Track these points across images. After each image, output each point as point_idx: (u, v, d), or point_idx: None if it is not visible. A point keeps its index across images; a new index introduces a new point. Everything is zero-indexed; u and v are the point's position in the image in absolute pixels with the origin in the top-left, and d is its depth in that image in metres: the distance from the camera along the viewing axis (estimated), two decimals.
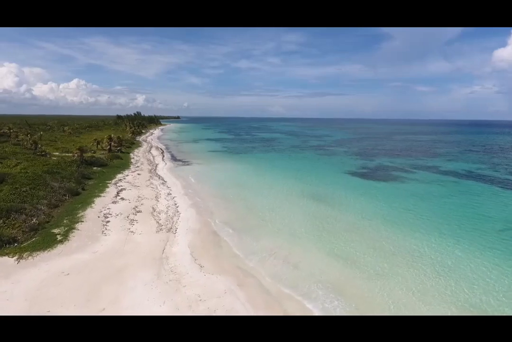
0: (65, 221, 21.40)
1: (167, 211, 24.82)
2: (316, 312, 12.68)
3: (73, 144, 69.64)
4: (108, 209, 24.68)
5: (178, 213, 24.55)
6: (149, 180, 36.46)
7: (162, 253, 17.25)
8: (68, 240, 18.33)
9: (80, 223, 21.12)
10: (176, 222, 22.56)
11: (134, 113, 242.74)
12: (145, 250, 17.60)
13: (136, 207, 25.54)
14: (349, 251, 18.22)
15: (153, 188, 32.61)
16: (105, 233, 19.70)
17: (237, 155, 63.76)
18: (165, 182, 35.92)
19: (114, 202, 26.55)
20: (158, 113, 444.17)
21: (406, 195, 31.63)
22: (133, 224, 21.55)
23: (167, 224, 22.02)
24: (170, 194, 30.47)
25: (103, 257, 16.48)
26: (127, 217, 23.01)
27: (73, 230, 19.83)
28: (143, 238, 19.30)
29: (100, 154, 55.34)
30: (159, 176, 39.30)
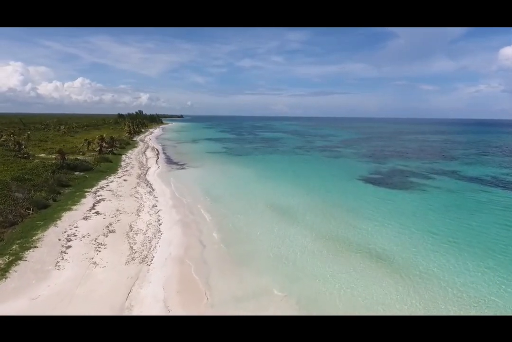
0: (14, 247, 17.07)
1: (146, 231, 20.46)
2: None
3: (64, 145, 65.50)
4: (75, 227, 20.36)
5: (160, 233, 20.18)
6: (135, 187, 32.14)
7: (126, 300, 12.88)
8: (6, 278, 13.99)
9: (32, 250, 16.79)
10: (155, 246, 18.19)
11: (136, 112, 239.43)
12: (104, 293, 13.24)
13: (111, 224, 21.20)
14: (369, 298, 13.76)
15: (138, 197, 28.26)
16: (58, 266, 15.35)
17: (237, 157, 59.36)
18: (153, 190, 31.58)
19: (85, 218, 22.24)
20: (161, 112, 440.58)
21: (428, 209, 26.88)
22: (100, 251, 17.19)
23: (143, 250, 17.64)
24: (156, 206, 26.11)
25: (43, 306, 12.13)
26: (95, 239, 18.66)
27: (19, 261, 15.49)
28: (107, 273, 14.94)
29: (89, 156, 51.23)
30: (148, 182, 34.99)
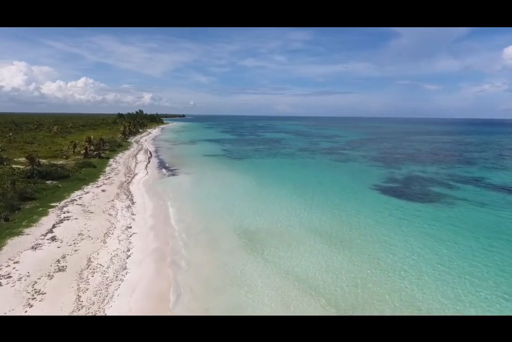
0: None
1: (107, 267, 15.67)
2: None
3: (50, 147, 60.90)
4: (15, 263, 15.62)
5: (125, 272, 15.39)
6: (112, 200, 27.38)
7: None
8: None
9: None
10: (112, 295, 13.37)
11: (136, 112, 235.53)
12: None
13: (64, 257, 16.45)
14: None
15: (111, 215, 23.52)
16: None
17: (237, 161, 54.50)
18: (133, 203, 26.79)
19: (35, 247, 17.50)
20: (164, 112, 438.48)
21: (460, 233, 21.55)
22: (32, 305, 12.39)
23: (94, 302, 12.84)
24: (130, 227, 21.35)
25: None
26: (34, 284, 13.88)
27: None
28: None
29: (73, 160, 46.57)
30: (129, 193, 30.21)
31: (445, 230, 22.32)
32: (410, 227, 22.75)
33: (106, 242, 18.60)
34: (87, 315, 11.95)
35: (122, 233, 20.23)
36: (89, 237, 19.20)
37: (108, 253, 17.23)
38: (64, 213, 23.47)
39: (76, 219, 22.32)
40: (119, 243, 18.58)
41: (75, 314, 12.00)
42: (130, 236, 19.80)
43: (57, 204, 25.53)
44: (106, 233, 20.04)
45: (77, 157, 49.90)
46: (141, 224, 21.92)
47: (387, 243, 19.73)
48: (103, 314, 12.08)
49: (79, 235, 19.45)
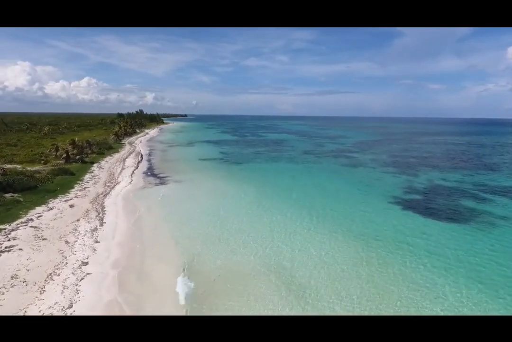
0: None
1: None
2: None
3: (31, 150, 56.11)
4: None
5: None
6: (78, 220, 22.43)
7: None
8: None
9: None
10: None
11: (136, 111, 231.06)
12: None
13: None
14: None
15: (68, 243, 18.56)
16: None
17: (234, 167, 49.40)
18: (102, 224, 21.83)
19: None
20: (167, 111, 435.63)
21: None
22: None
23: None
24: (87, 262, 16.35)
25: None
26: None
27: None
28: None
29: (52, 165, 41.75)
30: (102, 209, 25.23)
31: (491, 270, 17.05)
32: (443, 263, 17.50)
33: (44, 291, 13.60)
34: (87, 315, 11.69)
35: (73, 273, 15.23)
36: (24, 281, 14.22)
37: (39, 311, 12.23)
38: (9, 240, 18.56)
39: (20, 249, 17.37)
40: (62, 293, 13.56)
41: None
42: (82, 278, 14.79)
43: (6, 226, 20.61)
44: (50, 273, 15.06)
45: (58, 162, 45.12)
46: (102, 258, 16.90)
47: (416, 297, 14.59)
48: None
49: (12, 278, 14.48)
